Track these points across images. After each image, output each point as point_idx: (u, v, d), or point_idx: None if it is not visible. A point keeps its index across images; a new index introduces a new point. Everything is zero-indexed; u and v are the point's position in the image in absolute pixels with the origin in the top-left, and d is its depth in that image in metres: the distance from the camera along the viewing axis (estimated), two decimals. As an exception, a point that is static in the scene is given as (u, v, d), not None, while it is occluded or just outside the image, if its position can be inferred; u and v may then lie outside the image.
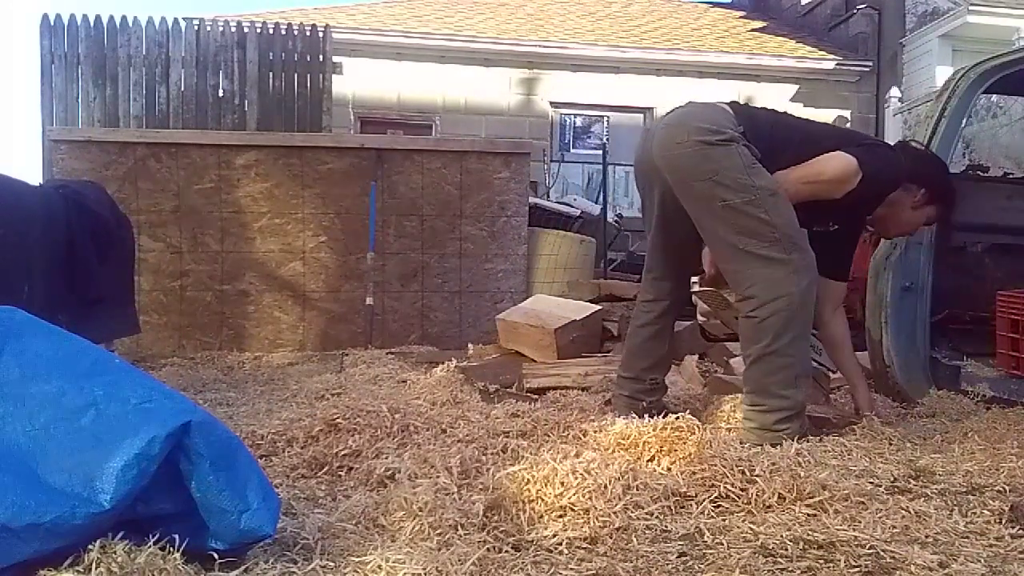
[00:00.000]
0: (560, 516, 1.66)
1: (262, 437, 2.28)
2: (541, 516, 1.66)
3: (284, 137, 5.74)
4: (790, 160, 2.45)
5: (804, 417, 2.39)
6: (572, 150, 12.11)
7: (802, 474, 1.86)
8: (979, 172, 5.68)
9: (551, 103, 11.61)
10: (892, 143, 2.78)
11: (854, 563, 1.47)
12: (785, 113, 2.76)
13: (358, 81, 10.06)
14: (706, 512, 1.74)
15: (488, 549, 1.49)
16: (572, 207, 6.95)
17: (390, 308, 5.35)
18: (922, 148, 2.87)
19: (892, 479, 1.96)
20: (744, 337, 2.47)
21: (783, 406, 2.33)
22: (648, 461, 2.03)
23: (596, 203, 7.69)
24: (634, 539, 1.59)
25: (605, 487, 1.73)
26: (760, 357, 2.37)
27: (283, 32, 7.14)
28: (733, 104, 2.60)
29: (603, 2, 14.08)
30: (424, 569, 1.35)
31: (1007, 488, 1.87)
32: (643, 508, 1.71)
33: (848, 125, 11.84)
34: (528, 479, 1.75)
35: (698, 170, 2.40)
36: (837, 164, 2.42)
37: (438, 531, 1.54)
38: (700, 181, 2.40)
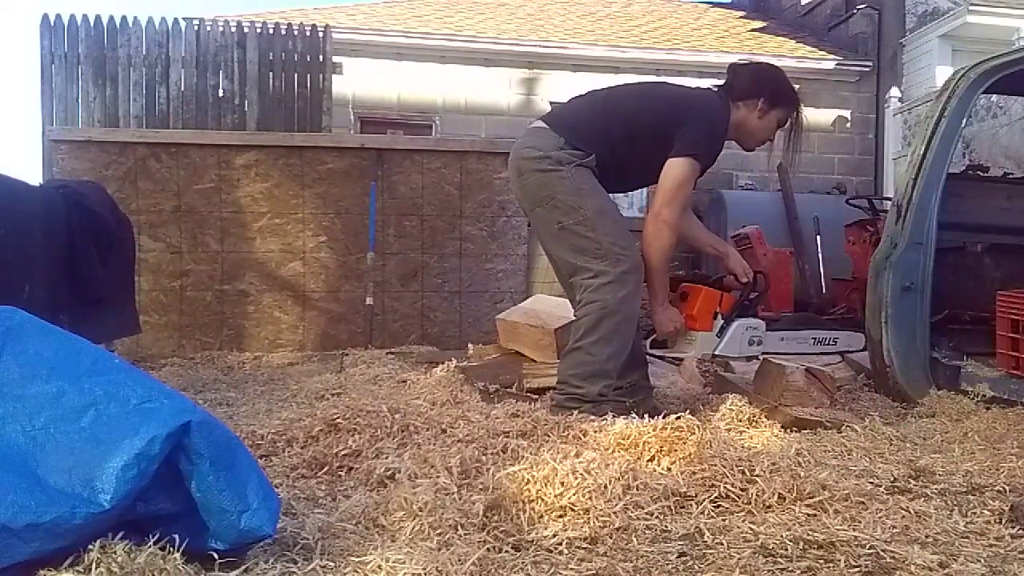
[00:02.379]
0: (560, 516, 1.66)
1: (262, 437, 2.27)
2: (541, 516, 1.66)
3: (284, 137, 5.73)
4: (628, 156, 2.70)
5: (601, 407, 2.55)
6: (572, 150, 12.08)
7: (802, 474, 1.86)
8: (979, 172, 5.69)
9: (551, 103, 11.54)
10: (719, 83, 2.90)
11: (854, 563, 1.47)
12: (598, 96, 2.85)
13: (358, 81, 10.05)
14: (706, 512, 1.74)
15: (488, 549, 1.49)
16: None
17: (390, 308, 5.35)
18: (749, 63, 3.03)
19: (892, 479, 1.96)
20: None
21: (575, 394, 2.62)
22: (648, 461, 2.03)
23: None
24: (634, 539, 1.59)
25: (605, 487, 1.73)
26: (569, 351, 2.70)
27: (283, 32, 7.15)
28: (554, 112, 2.85)
29: (603, 2, 14.07)
30: (424, 569, 1.35)
31: (1007, 488, 1.87)
32: (643, 508, 1.71)
33: (848, 125, 11.86)
34: (528, 479, 1.75)
35: (539, 196, 2.72)
36: (676, 175, 2.67)
37: (438, 531, 1.54)
38: (541, 207, 2.72)
